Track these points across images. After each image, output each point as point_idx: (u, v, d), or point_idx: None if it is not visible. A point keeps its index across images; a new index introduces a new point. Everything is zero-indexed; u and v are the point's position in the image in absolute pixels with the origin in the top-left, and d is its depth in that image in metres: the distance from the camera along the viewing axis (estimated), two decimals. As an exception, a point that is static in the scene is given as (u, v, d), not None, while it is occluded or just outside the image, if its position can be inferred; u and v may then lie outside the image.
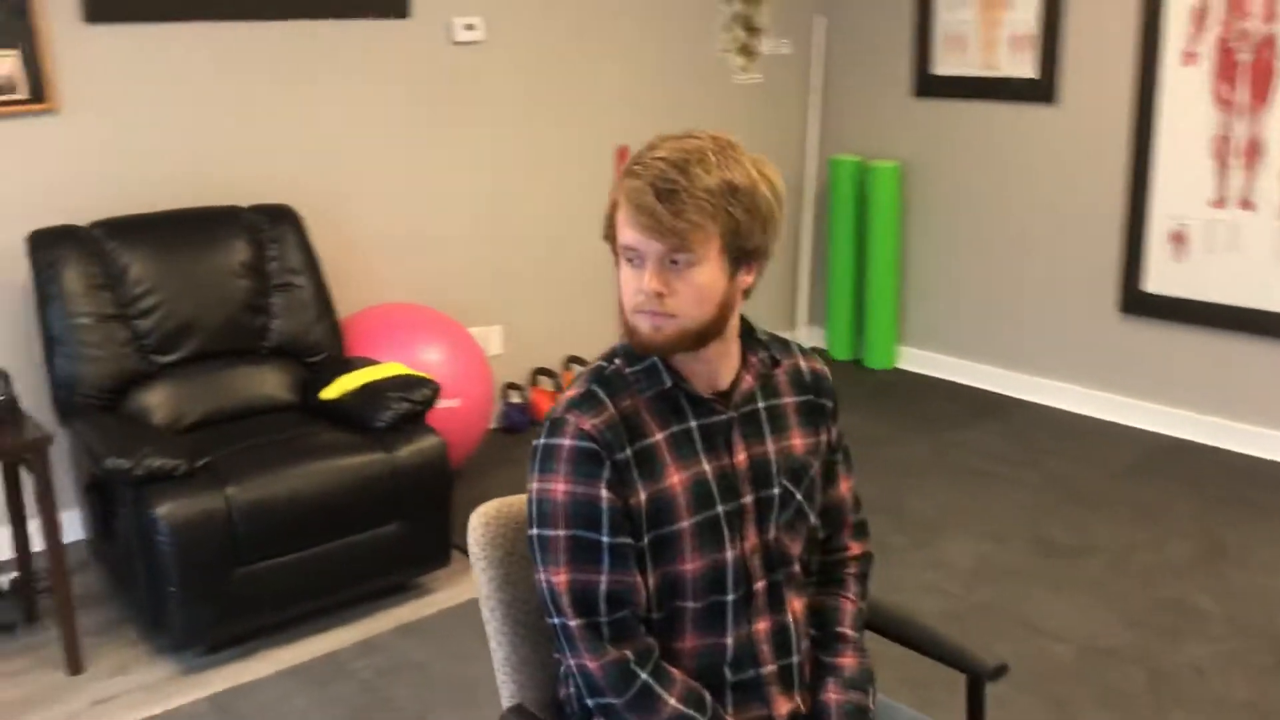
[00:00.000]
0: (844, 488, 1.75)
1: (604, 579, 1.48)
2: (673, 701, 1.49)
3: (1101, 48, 4.36)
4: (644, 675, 1.49)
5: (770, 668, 1.59)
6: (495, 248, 4.50)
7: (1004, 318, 4.89)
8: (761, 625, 1.59)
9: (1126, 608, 3.16)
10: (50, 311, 3.26)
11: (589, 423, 1.49)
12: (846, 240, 5.22)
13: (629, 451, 1.50)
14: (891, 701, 1.80)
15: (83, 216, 3.43)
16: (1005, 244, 4.82)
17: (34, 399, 3.38)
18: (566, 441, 1.49)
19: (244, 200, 3.70)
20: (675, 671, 1.53)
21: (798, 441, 1.63)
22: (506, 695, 1.66)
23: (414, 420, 3.30)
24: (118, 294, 3.34)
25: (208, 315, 3.45)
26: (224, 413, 3.41)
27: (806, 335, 5.55)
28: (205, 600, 2.91)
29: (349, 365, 3.55)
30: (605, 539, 1.48)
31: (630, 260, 1.48)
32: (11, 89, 3.39)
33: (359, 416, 3.29)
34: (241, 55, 3.78)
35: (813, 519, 1.66)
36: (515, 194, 4.52)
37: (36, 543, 3.16)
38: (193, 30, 3.67)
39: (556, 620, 1.50)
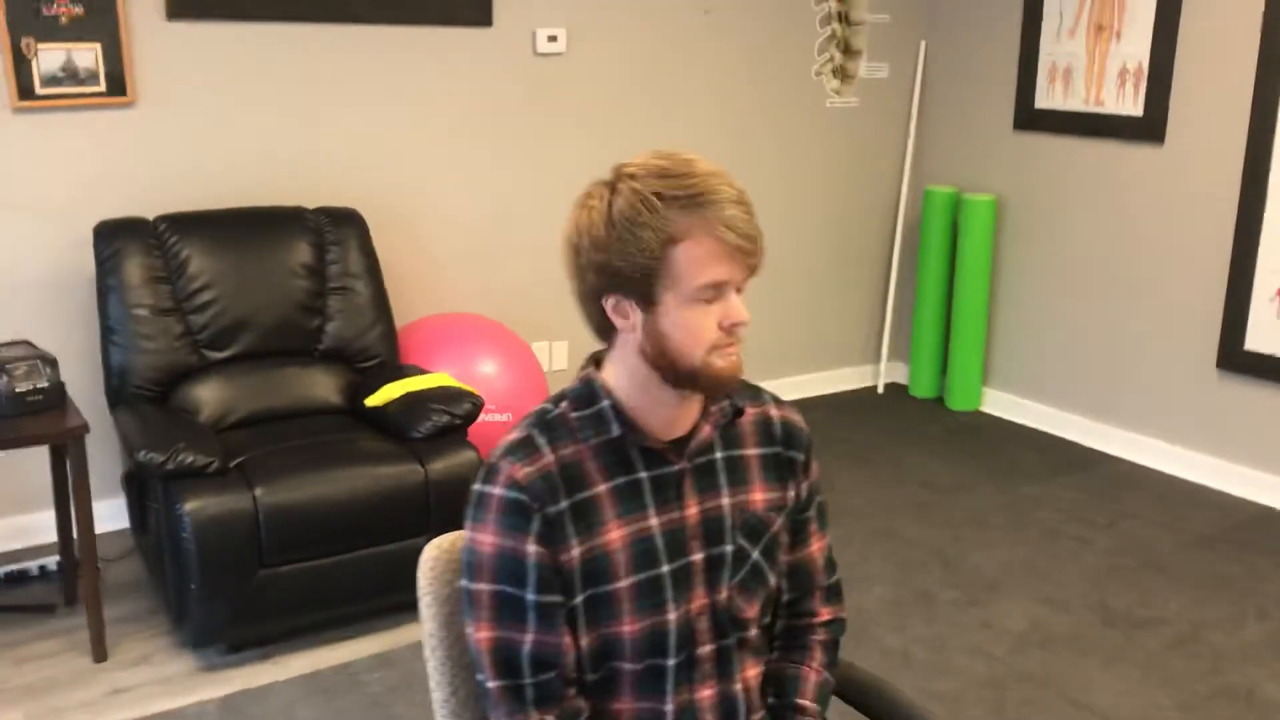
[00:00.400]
0: (816, 548, 1.61)
1: (529, 639, 1.39)
2: (592, 770, 1.39)
3: (1215, 87, 4.10)
4: None
5: (711, 740, 1.48)
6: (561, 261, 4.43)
7: (1095, 366, 4.64)
8: (705, 693, 1.47)
9: (1185, 691, 2.93)
10: (109, 301, 3.31)
11: (521, 471, 1.39)
12: (936, 274, 5.03)
13: (565, 504, 1.39)
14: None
15: (152, 210, 3.49)
16: (1101, 288, 4.57)
17: (92, 388, 3.45)
18: (497, 491, 1.39)
19: (314, 202, 3.72)
20: (604, 736, 1.43)
21: (758, 496, 1.51)
22: (442, 739, 1.58)
23: (453, 433, 3.25)
24: (176, 288, 3.38)
25: (263, 314, 3.46)
26: (271, 412, 3.42)
27: (888, 370, 5.37)
28: (225, 599, 2.91)
29: (399, 372, 3.53)
30: (530, 597, 1.38)
31: (708, 301, 1.35)
32: (91, 81, 3.47)
33: (399, 426, 3.26)
34: (320, 57, 3.80)
35: (772, 580, 1.54)
36: (591, 209, 4.46)
37: (78, 527, 3.22)
38: (272, 30, 3.70)
39: (479, 677, 1.42)
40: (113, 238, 3.35)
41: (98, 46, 3.45)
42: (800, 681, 1.57)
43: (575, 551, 1.39)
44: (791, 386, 5.15)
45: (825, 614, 1.63)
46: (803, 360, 5.18)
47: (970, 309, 4.91)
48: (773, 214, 4.90)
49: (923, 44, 5.07)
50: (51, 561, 3.43)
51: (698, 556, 1.46)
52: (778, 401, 1.60)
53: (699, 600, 1.46)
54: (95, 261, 3.33)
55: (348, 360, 3.60)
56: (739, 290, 1.39)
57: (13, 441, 2.86)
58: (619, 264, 1.35)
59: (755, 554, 1.50)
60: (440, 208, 4.14)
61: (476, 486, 1.42)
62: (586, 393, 1.45)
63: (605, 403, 1.43)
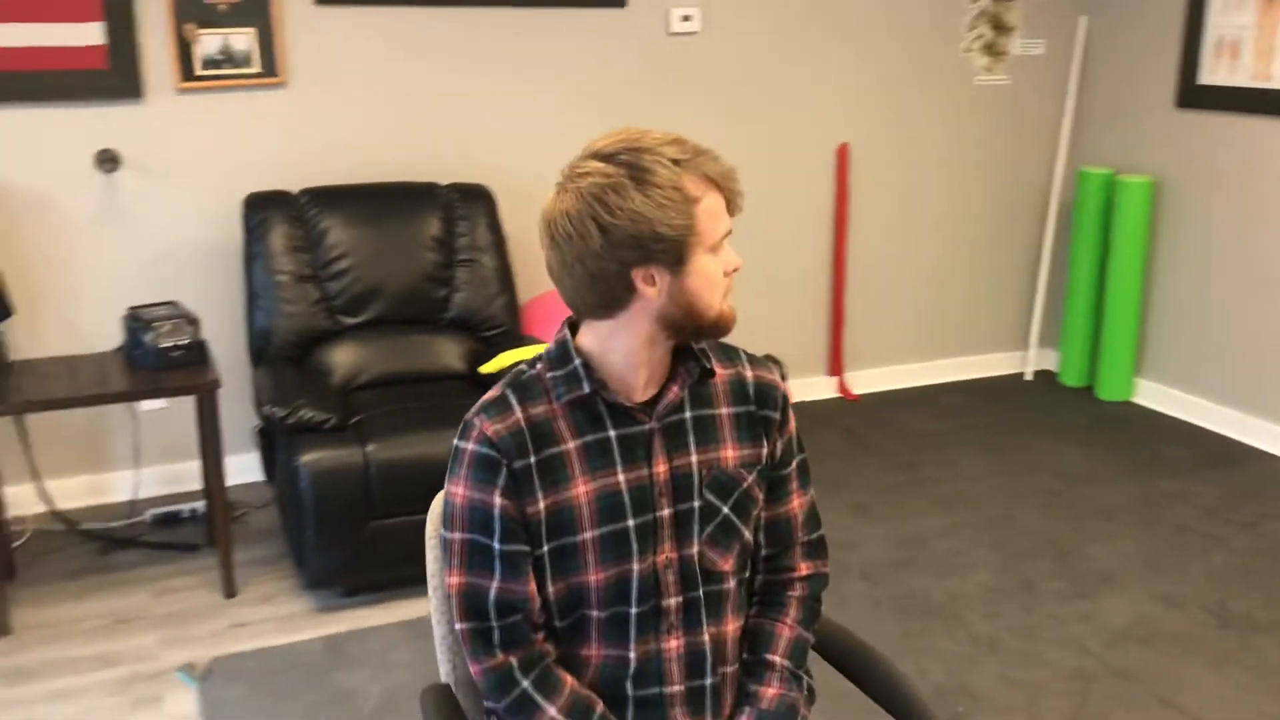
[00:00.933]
0: (796, 504, 1.64)
1: (494, 586, 1.47)
2: (551, 711, 1.47)
3: (1393, 60, 3.80)
4: (524, 683, 1.48)
5: (676, 687, 1.53)
6: (698, 239, 4.49)
7: (1254, 358, 4.37)
8: (672, 643, 1.53)
9: (1295, 699, 2.77)
10: (254, 268, 3.58)
11: (492, 428, 1.47)
12: (1089, 259, 4.84)
13: (532, 459, 1.47)
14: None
15: (297, 183, 3.74)
16: (1263, 276, 4.31)
17: (239, 348, 3.74)
18: (470, 446, 1.48)
19: (447, 178, 3.90)
20: (568, 680, 1.50)
21: (729, 453, 1.55)
22: (443, 673, 1.69)
23: (558, 401, 3.36)
24: (315, 256, 3.62)
25: (394, 283, 3.67)
26: (398, 375, 3.61)
27: (1038, 357, 5.20)
28: (339, 547, 3.12)
29: (519, 341, 3.68)
30: (497, 546, 1.47)
31: (715, 249, 1.45)
32: (247, 63, 3.74)
33: (510, 392, 3.39)
34: (459, 39, 3.97)
35: (746, 534, 1.58)
36: (724, 187, 4.50)
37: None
38: (414, 14, 3.90)
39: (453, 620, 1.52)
40: (260, 209, 3.61)
41: (253, 31, 3.72)
42: (773, 638, 1.61)
43: (541, 504, 1.47)
44: (939, 370, 5.06)
45: (804, 569, 1.65)
46: (950, 344, 5.08)
47: (1123, 295, 4.70)
48: (920, 195, 4.84)
49: (1082, 19, 4.87)
50: (201, 505, 3.74)
51: (665, 512, 1.51)
52: (753, 361, 1.63)
53: (666, 553, 1.51)
54: (243, 230, 3.61)
55: (472, 329, 3.77)
56: None
57: (152, 392, 3.14)
58: (661, 230, 1.39)
59: (725, 509, 1.54)
60: (572, 184, 4.25)
61: (454, 442, 1.51)
62: (560, 354, 1.52)
63: (577, 362, 1.50)
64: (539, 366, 1.53)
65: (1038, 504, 3.83)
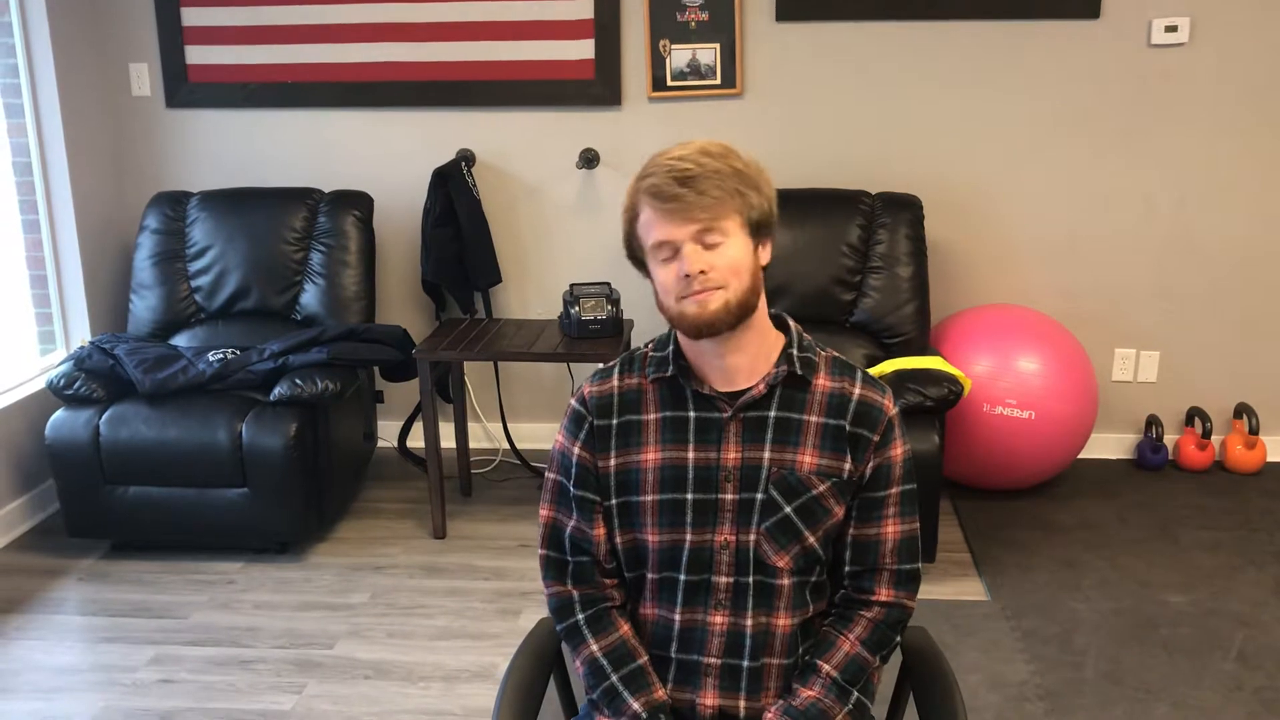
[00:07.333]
0: (890, 530, 1.65)
1: (570, 524, 1.70)
2: (594, 647, 1.66)
3: None
4: (579, 616, 1.68)
5: (713, 660, 1.64)
6: (1162, 266, 4.15)
7: None
8: (717, 619, 1.63)
9: None
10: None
11: (589, 390, 1.71)
12: None
13: (614, 421, 1.67)
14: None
15: (741, 185, 4.07)
16: None
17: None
18: (572, 403, 1.72)
19: (883, 186, 4.02)
20: (622, 627, 1.68)
21: (806, 459, 1.62)
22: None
23: (924, 414, 3.37)
24: (738, 253, 3.93)
25: (802, 282, 3.88)
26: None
27: None
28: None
29: (920, 351, 3.71)
30: (572, 489, 1.69)
31: (665, 258, 1.57)
32: (711, 75, 4.14)
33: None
34: (910, 52, 4.05)
35: (810, 540, 1.63)
36: (1203, 211, 4.10)
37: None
38: (868, 29, 4.04)
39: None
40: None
41: (717, 46, 4.11)
42: (831, 648, 1.65)
43: (611, 461, 1.67)
44: None
45: (884, 595, 1.66)
46: None
47: None
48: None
49: None
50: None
51: (730, 496, 1.62)
52: (866, 381, 1.66)
53: (724, 534, 1.62)
54: (682, 225, 4.01)
55: (875, 334, 3.86)
56: (708, 245, 1.55)
57: (565, 356, 3.64)
58: (625, 234, 1.64)
59: (788, 509, 1.61)
60: (1017, 201, 4.14)
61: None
62: (664, 339, 1.71)
63: (670, 349, 1.67)
64: (648, 346, 1.73)
65: None
